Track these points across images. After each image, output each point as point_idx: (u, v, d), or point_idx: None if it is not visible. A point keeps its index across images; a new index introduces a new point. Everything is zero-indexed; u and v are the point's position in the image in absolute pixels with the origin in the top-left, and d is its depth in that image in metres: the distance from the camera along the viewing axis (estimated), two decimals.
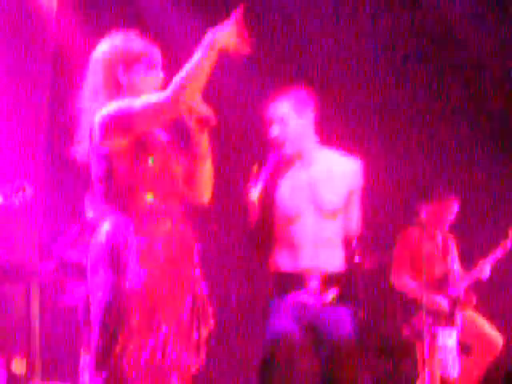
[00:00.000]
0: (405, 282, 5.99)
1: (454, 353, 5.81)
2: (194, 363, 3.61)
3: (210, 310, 3.65)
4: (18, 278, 7.05)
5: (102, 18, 6.74)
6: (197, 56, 3.31)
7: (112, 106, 3.49)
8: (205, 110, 3.59)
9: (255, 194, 4.32)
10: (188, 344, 3.59)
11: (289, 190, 4.43)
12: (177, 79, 3.34)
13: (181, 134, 3.72)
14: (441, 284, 5.99)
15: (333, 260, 4.42)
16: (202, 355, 3.57)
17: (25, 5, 7.07)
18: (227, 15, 3.35)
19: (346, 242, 4.52)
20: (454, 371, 5.74)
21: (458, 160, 7.55)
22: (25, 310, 7.07)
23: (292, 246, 4.43)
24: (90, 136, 3.58)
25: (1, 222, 6.52)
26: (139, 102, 3.42)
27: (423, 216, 5.88)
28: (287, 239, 4.42)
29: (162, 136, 3.72)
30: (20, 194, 4.96)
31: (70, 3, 7.28)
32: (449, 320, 5.86)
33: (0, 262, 6.60)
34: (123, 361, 3.45)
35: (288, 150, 4.38)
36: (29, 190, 4.99)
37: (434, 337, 5.74)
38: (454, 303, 5.91)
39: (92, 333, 3.57)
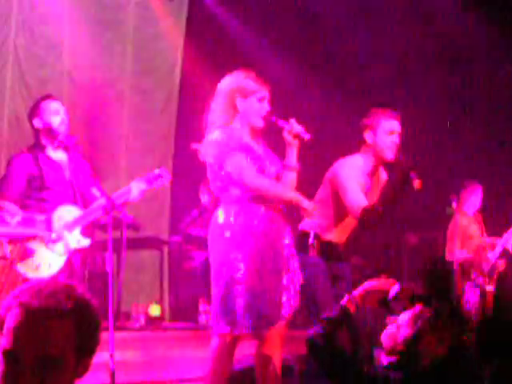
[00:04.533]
0: (457, 254, 6.97)
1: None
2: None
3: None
4: (154, 247, 8.22)
5: (222, 58, 7.66)
6: (284, 194, 4.15)
7: (221, 136, 4.12)
8: (300, 129, 4.18)
9: None
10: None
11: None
12: (266, 185, 4.11)
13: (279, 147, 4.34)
14: (481, 253, 7.13)
15: None
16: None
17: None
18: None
19: None
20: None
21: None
22: (159, 270, 8.18)
23: None
24: (211, 145, 4.17)
25: (144, 205, 7.46)
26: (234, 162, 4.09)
27: (460, 203, 7.06)
28: None
29: (257, 146, 4.27)
30: (159, 180, 5.16)
31: (193, 46, 8.49)
32: (487, 278, 6.91)
33: (141, 234, 7.44)
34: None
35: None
36: (166, 178, 5.22)
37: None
38: (493, 266, 6.97)
39: (216, 291, 4.14)
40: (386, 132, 4.97)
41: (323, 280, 4.84)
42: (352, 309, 3.24)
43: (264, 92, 4.27)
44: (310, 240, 4.92)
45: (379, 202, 4.77)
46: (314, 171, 5.00)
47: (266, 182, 4.17)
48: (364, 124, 5.03)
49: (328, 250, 4.98)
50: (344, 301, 3.30)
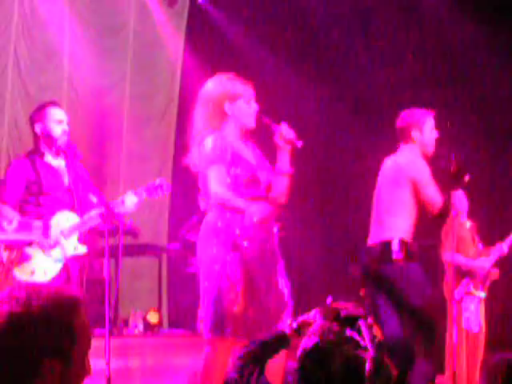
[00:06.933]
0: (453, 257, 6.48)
1: (476, 313, 6.57)
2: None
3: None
4: (153, 253, 8.09)
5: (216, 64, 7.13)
6: (242, 205, 4.04)
7: (208, 146, 4.07)
8: (292, 134, 4.15)
9: None
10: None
11: None
12: (230, 200, 4.05)
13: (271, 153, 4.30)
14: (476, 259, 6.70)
15: None
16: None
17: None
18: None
19: None
20: (475, 327, 6.52)
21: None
22: (157, 276, 8.05)
23: None
24: (200, 154, 4.14)
25: (142, 212, 7.22)
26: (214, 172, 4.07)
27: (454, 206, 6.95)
28: None
29: (248, 151, 4.23)
30: (159, 190, 5.16)
31: (193, 52, 8.48)
32: (481, 285, 6.60)
33: (140, 241, 7.29)
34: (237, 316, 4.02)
35: None
36: (166, 189, 5.21)
37: (461, 300, 6.50)
38: (486, 275, 6.61)
39: (206, 295, 4.12)
40: (431, 128, 5.36)
41: (414, 285, 5.08)
42: (294, 337, 2.78)
43: (250, 92, 4.21)
44: (396, 246, 5.12)
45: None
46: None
47: (227, 196, 4.10)
48: (408, 123, 5.34)
49: (416, 252, 5.23)
50: (287, 326, 2.85)
